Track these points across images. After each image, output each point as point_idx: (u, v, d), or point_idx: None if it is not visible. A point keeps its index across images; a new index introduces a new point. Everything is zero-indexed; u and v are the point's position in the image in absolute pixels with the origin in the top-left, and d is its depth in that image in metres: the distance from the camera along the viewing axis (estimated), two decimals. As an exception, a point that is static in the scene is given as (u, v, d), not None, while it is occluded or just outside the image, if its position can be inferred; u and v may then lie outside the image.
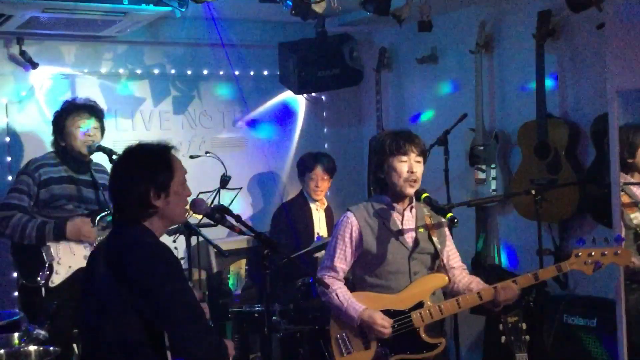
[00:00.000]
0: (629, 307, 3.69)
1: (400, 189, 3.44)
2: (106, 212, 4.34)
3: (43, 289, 4.07)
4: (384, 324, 3.39)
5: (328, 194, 5.92)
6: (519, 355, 3.20)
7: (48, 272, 4.10)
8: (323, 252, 4.88)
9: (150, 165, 2.64)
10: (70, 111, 4.34)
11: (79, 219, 4.21)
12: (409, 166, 3.41)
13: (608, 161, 3.72)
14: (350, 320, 3.44)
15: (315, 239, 5.27)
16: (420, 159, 3.45)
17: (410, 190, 3.44)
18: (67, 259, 4.17)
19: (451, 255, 3.64)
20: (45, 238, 4.12)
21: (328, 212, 5.51)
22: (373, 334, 3.42)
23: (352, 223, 3.51)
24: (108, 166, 4.42)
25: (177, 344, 2.52)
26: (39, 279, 4.07)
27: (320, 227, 5.41)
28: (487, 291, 3.41)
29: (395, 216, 3.52)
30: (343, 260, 3.52)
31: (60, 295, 4.07)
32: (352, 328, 3.47)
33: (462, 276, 3.61)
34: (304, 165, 5.43)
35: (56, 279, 4.13)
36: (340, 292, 3.48)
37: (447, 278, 3.50)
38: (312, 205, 5.42)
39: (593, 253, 3.36)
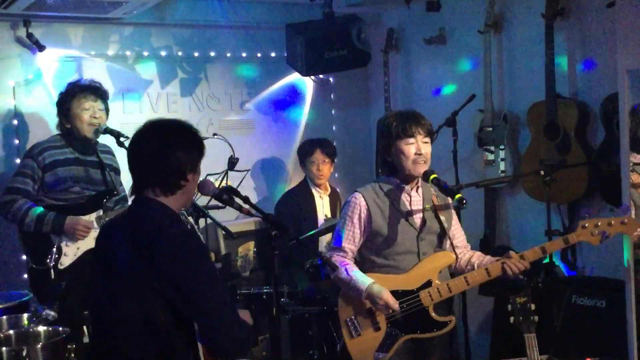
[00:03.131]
0: (638, 287, 3.68)
1: (410, 171, 3.43)
2: (114, 194, 4.35)
3: (52, 271, 4.08)
4: (393, 298, 3.36)
5: (336, 175, 5.91)
6: (528, 336, 3.20)
7: (57, 255, 4.12)
8: (328, 235, 4.89)
9: (191, 138, 2.65)
10: (74, 93, 4.32)
11: (82, 219, 4.20)
12: (417, 147, 3.40)
13: (618, 141, 3.70)
14: (357, 293, 3.41)
15: (321, 222, 5.27)
16: (427, 139, 3.44)
17: (421, 169, 3.43)
18: (76, 240, 4.18)
19: (456, 234, 3.65)
20: (43, 228, 4.12)
21: (333, 198, 5.49)
22: (379, 309, 3.40)
23: (360, 204, 3.50)
24: (114, 148, 4.43)
25: (206, 333, 2.52)
26: (47, 261, 4.08)
27: (324, 214, 5.39)
28: (494, 267, 3.42)
29: (404, 197, 3.51)
30: (351, 242, 3.51)
31: (69, 276, 4.09)
32: (361, 310, 3.47)
33: (463, 253, 3.63)
34: (304, 151, 5.42)
35: (65, 261, 4.15)
36: (348, 267, 3.46)
37: (454, 256, 3.51)
38: (315, 193, 5.40)
39: (599, 223, 3.35)
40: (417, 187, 3.54)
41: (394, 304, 3.36)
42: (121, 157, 4.23)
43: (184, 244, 2.51)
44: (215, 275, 2.61)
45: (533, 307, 3.26)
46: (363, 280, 3.41)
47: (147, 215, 2.59)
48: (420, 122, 3.43)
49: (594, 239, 3.37)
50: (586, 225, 3.36)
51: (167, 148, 2.58)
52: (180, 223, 2.62)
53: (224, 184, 4.60)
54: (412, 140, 3.40)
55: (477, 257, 3.57)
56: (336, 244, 3.55)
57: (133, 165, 2.65)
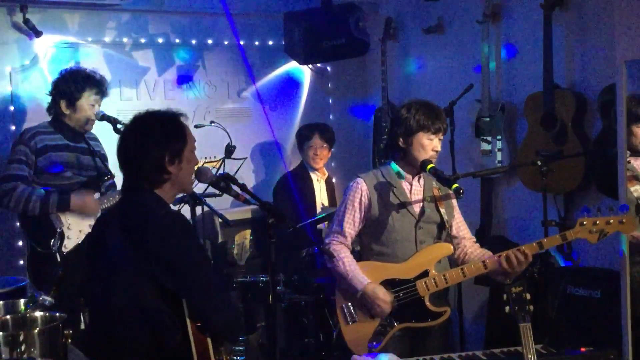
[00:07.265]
0: (632, 278, 3.69)
1: (421, 164, 3.48)
2: (107, 178, 4.37)
3: (58, 255, 4.12)
4: (386, 300, 3.41)
5: (333, 164, 5.92)
6: (523, 326, 3.19)
7: (60, 239, 4.14)
8: (326, 223, 4.90)
9: (165, 131, 2.67)
10: (87, 85, 4.33)
11: (86, 192, 4.22)
12: (435, 145, 3.47)
13: (615, 132, 3.70)
14: (353, 290, 3.46)
15: (319, 209, 5.28)
16: (442, 137, 3.52)
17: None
18: (77, 224, 4.21)
19: (460, 226, 3.68)
20: (49, 209, 4.13)
21: (329, 183, 5.52)
22: (373, 309, 3.44)
23: (361, 189, 3.53)
24: (112, 135, 4.42)
25: (198, 312, 2.55)
26: (51, 244, 4.10)
27: (321, 197, 5.42)
28: (492, 260, 3.43)
29: (404, 185, 3.54)
30: (352, 225, 3.54)
31: (68, 262, 4.10)
32: (356, 297, 3.48)
33: (474, 248, 3.63)
34: (303, 135, 5.46)
35: (69, 244, 4.18)
36: (346, 260, 3.50)
37: (452, 247, 3.52)
38: (313, 176, 5.43)
39: (598, 222, 3.36)
40: (419, 177, 3.57)
41: (385, 305, 3.40)
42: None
43: (172, 223, 2.57)
44: (204, 255, 2.67)
45: (528, 296, 3.26)
46: (360, 279, 3.45)
47: (136, 203, 2.66)
48: (445, 122, 3.51)
49: (591, 236, 3.39)
50: (584, 222, 3.37)
51: (142, 147, 2.63)
52: (168, 207, 2.67)
53: (221, 171, 4.60)
54: (433, 136, 3.46)
55: (489, 256, 3.56)
56: (336, 227, 3.58)
57: (119, 163, 2.73)
